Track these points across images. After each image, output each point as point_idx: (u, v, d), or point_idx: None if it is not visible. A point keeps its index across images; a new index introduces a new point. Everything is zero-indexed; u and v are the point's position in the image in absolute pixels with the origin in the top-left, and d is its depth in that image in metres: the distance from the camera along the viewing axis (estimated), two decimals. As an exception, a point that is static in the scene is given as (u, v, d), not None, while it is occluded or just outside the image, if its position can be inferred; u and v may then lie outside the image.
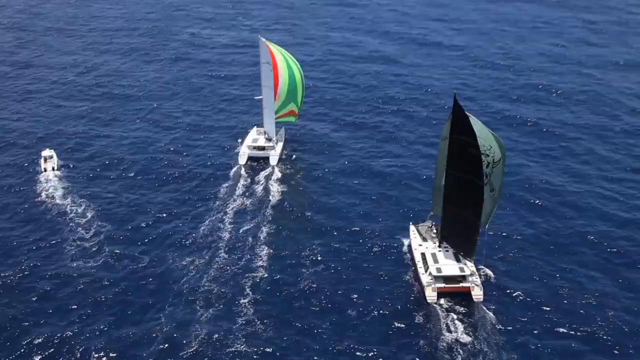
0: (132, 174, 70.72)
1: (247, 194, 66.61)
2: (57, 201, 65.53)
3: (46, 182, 69.08)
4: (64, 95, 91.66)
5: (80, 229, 60.78)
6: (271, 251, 57.28)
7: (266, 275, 54.40)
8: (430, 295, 48.36)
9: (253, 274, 54.56)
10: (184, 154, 74.69)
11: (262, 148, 74.58)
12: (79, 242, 58.85)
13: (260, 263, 55.78)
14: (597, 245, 57.91)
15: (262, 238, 58.93)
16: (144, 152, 75.09)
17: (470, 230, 50.47)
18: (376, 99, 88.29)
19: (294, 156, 74.69)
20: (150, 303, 51.51)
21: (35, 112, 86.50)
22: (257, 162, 73.14)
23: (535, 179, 68.37)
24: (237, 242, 58.40)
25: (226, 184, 68.58)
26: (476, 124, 47.91)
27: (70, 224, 61.57)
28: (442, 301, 50.57)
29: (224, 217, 62.27)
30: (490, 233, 55.80)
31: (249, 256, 56.59)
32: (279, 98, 74.47)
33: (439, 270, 49.03)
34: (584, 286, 53.11)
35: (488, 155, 48.18)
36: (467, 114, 47.43)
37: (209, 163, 72.71)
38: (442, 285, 48.89)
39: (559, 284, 53.38)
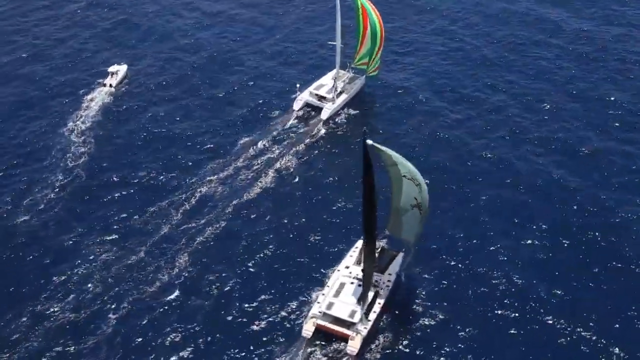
0: (177, 109, 66.94)
1: (248, 166, 59.00)
2: (73, 137, 63.22)
3: (85, 109, 67.06)
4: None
5: (59, 175, 58.50)
6: (189, 261, 50.09)
7: (151, 301, 47.33)
8: (307, 329, 42.00)
9: (137, 295, 47.69)
10: (256, 94, 69.29)
11: (322, 98, 66.91)
12: (44, 191, 56.71)
13: (162, 277, 48.94)
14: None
15: (197, 242, 51.60)
16: (226, 88, 69.89)
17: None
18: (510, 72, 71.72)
19: (353, 117, 65.65)
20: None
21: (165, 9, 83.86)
22: (312, 112, 66.33)
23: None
24: (168, 240, 51.81)
25: (247, 139, 62.23)
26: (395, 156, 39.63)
27: (58, 166, 59.59)
28: (317, 339, 42.74)
29: (193, 196, 55.76)
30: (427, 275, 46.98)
31: (161, 264, 50.06)
32: (364, 46, 65.82)
33: (329, 306, 42.44)
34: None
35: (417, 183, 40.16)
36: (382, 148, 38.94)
37: (265, 107, 67.16)
38: (324, 323, 42.10)
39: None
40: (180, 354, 43.20)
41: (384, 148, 38.55)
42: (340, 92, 67.47)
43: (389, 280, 45.60)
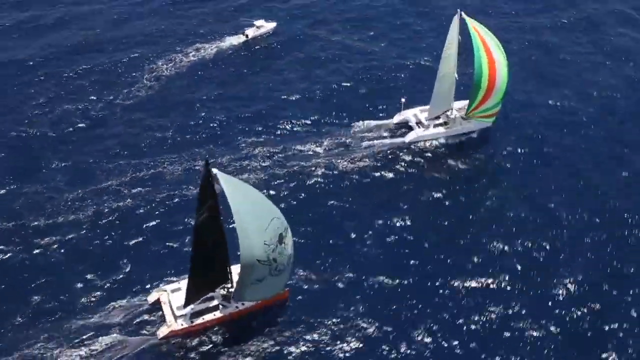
0: (274, 86, 60.61)
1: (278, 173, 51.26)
2: (145, 79, 60.29)
3: (185, 54, 63.72)
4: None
5: (99, 104, 56.67)
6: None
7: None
8: (151, 297, 43.40)
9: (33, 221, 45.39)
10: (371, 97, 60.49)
11: (420, 122, 56.80)
12: (76, 113, 55.75)
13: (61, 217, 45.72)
14: None
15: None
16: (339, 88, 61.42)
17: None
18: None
19: (438, 157, 54.32)
20: None
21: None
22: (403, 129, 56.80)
23: None
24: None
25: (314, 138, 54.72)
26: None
27: (109, 99, 57.53)
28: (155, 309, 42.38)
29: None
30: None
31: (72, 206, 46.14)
32: (495, 95, 53.66)
33: (174, 290, 43.13)
34: None
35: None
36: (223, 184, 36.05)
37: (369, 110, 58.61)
38: (162, 300, 42.75)
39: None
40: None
41: (225, 185, 35.62)
42: (442, 124, 55.65)
43: (242, 304, 41.90)
